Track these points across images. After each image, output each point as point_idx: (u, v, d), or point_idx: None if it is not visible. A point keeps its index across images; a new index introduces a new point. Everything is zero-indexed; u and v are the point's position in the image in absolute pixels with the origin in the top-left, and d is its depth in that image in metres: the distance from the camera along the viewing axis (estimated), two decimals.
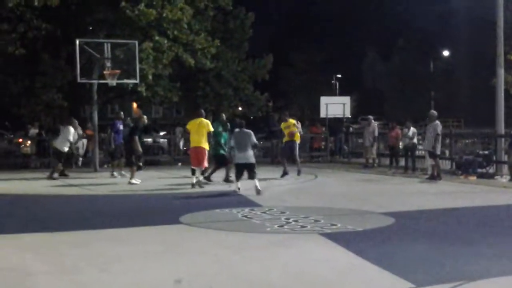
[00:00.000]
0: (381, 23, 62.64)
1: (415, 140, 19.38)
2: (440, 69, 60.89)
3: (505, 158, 17.23)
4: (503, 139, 17.91)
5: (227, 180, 15.77)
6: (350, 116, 29.75)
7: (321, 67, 63.98)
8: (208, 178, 15.86)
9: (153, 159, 24.44)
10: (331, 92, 54.89)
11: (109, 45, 20.61)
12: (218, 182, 15.79)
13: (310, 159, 25.18)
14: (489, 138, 20.15)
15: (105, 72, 20.39)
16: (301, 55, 64.53)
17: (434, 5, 52.50)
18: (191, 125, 15.53)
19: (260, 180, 13.77)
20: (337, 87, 62.64)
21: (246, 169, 13.77)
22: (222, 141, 16.08)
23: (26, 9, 23.14)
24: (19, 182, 17.22)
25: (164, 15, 24.06)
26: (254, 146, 14.01)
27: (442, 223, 9.80)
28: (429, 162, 17.24)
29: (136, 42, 21.54)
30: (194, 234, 8.85)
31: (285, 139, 17.83)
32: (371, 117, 22.85)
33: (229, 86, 31.71)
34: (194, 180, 15.07)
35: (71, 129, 18.17)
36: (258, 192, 13.12)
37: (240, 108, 34.85)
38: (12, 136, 25.08)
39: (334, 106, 26.53)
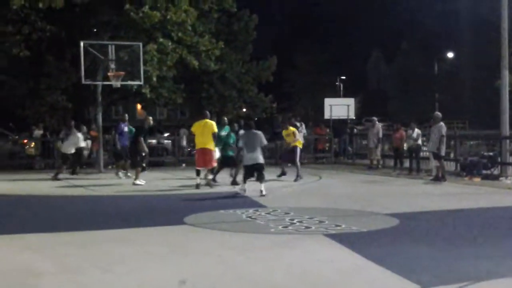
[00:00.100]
0: (385, 24, 62.71)
1: (419, 142, 19.35)
2: (444, 70, 60.79)
3: (510, 159, 17.18)
4: (507, 141, 17.88)
5: (234, 183, 15.68)
6: (354, 118, 29.74)
7: (325, 69, 63.99)
8: (213, 179, 15.85)
9: (158, 160, 24.46)
10: (335, 94, 54.89)
11: (113, 47, 20.68)
12: (222, 183, 15.78)
13: (314, 160, 25.17)
14: (493, 140, 20.10)
15: (109, 74, 20.45)
16: (305, 57, 64.54)
17: (438, 6, 52.49)
18: (196, 127, 15.55)
19: (265, 181, 13.75)
20: (341, 88, 62.63)
21: (255, 170, 13.66)
22: (231, 141, 16.03)
23: (31, 11, 23.22)
24: (24, 182, 17.26)
25: (168, 17, 24.12)
26: (263, 147, 13.97)
27: (447, 224, 9.78)
28: (433, 163, 17.20)
29: (141, 44, 21.61)
30: (199, 235, 8.84)
31: (286, 144, 17.93)
32: (375, 118, 22.84)
33: (233, 88, 31.68)
34: (199, 181, 15.07)
35: (80, 135, 18.89)
36: (262, 195, 13.09)
37: (244, 110, 34.84)
38: (16, 137, 25.11)
39: (338, 107, 26.53)
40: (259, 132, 13.93)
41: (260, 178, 13.53)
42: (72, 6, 24.01)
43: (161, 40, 24.51)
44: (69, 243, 8.17)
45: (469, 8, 47.06)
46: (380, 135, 21.39)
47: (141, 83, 22.23)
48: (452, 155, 19.71)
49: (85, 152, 22.22)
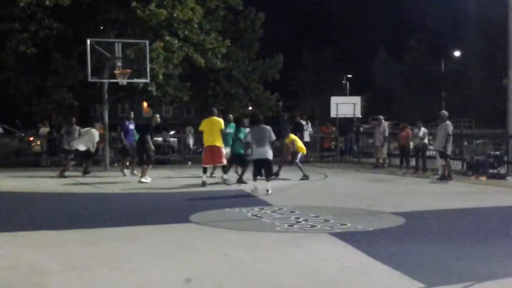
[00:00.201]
0: (392, 23, 62.60)
1: (425, 140, 19.31)
2: (451, 69, 60.54)
3: None
4: None
5: (240, 181, 15.63)
6: (360, 116, 29.66)
7: (331, 67, 63.95)
8: (240, 180, 15.63)
9: (163, 158, 24.48)
10: (341, 92, 54.80)
11: (120, 44, 20.71)
12: (229, 181, 15.79)
13: (320, 159, 25.14)
14: (500, 139, 20.03)
15: (115, 72, 20.49)
16: (311, 55, 64.53)
17: (446, 5, 52.28)
18: (204, 125, 15.56)
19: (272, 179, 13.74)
20: (348, 87, 62.54)
21: (263, 167, 13.58)
22: (242, 136, 15.91)
23: (38, 9, 23.26)
24: (30, 180, 17.30)
25: (175, 15, 24.13)
26: (272, 142, 13.94)
27: (453, 223, 9.76)
28: (439, 162, 17.16)
29: (147, 42, 21.64)
30: (204, 233, 8.85)
31: (286, 149, 17.89)
32: (381, 117, 22.78)
33: (239, 86, 31.70)
34: (205, 179, 15.10)
35: (96, 132, 18.77)
36: (268, 193, 13.07)
37: (250, 108, 34.85)
38: (23, 134, 25.17)
39: (345, 106, 26.46)
40: (268, 127, 13.87)
41: (268, 175, 13.51)
42: (79, 4, 24.07)
43: (167, 38, 24.53)
44: (75, 241, 8.19)
45: (476, 7, 46.88)
46: (386, 133, 21.34)
47: (147, 81, 22.27)
48: (457, 153, 19.63)
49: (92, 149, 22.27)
